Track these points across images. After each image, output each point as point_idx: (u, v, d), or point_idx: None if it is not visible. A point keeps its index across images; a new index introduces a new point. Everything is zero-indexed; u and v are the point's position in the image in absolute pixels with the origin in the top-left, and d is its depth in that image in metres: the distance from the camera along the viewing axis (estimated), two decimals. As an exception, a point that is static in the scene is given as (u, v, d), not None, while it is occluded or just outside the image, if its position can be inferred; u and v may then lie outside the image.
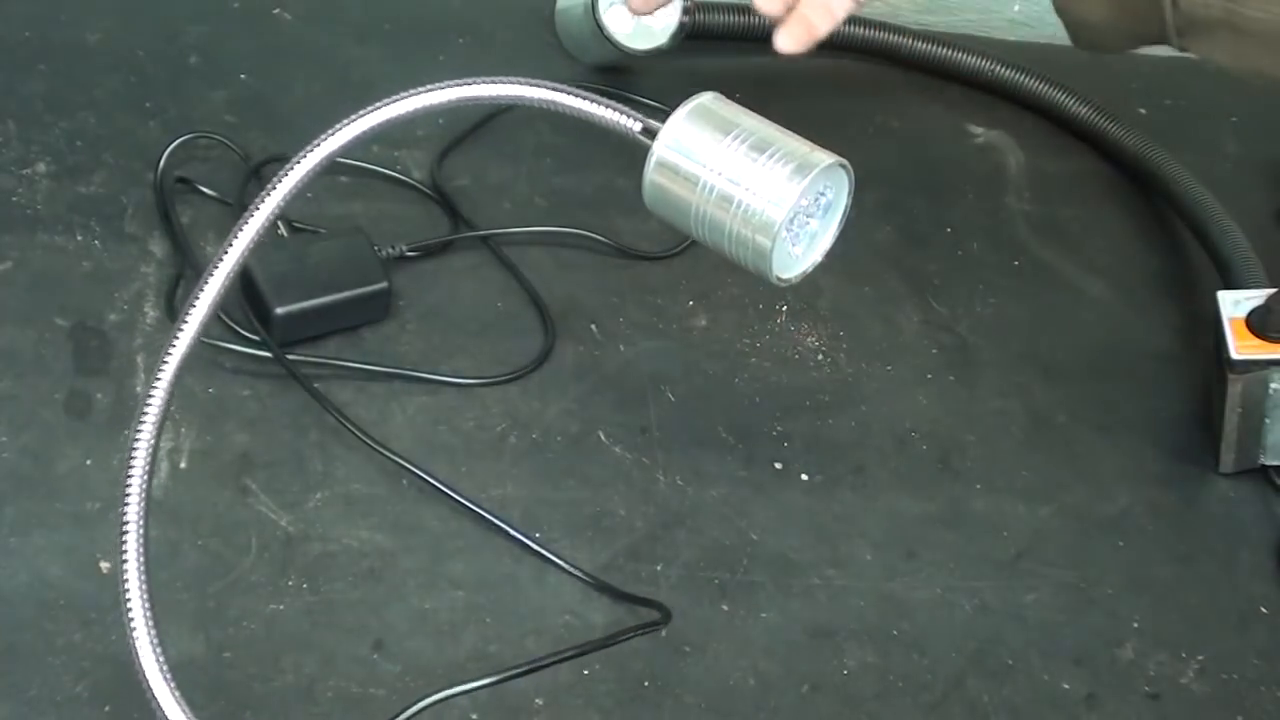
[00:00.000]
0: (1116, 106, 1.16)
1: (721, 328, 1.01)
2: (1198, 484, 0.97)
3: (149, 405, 0.74)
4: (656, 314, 1.01)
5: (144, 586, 0.72)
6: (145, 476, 0.73)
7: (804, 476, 0.94)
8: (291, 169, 0.76)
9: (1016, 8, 1.21)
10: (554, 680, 0.83)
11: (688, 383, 0.97)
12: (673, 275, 1.03)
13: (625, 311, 1.00)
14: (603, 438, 0.94)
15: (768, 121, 0.78)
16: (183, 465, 0.88)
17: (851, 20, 1.16)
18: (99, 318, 0.94)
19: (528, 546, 0.87)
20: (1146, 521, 0.95)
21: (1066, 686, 0.86)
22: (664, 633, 0.85)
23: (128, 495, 0.73)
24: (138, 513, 0.73)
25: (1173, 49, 0.95)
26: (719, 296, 1.02)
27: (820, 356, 1.00)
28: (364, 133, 0.76)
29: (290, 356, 0.93)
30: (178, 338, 0.74)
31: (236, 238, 0.76)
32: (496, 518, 0.88)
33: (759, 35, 1.08)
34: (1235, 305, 0.95)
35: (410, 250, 0.99)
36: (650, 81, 1.14)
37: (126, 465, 0.73)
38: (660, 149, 0.77)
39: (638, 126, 0.77)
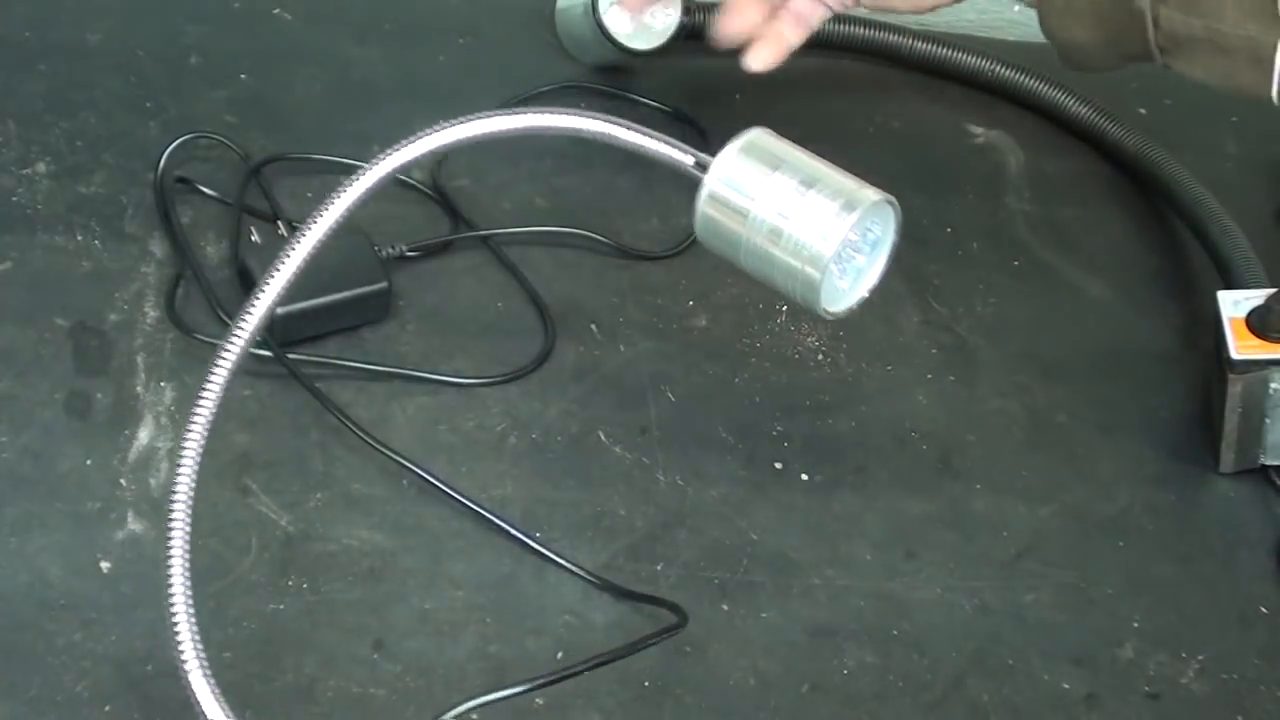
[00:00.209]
0: (1116, 106, 1.16)
1: (721, 328, 1.01)
2: (1198, 484, 0.97)
3: (195, 420, 0.76)
4: (656, 314, 1.01)
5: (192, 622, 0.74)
6: (189, 500, 0.75)
7: (804, 476, 0.94)
8: (342, 194, 0.79)
9: (1017, 8, 1.21)
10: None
11: (688, 383, 0.97)
12: (673, 275, 1.03)
13: (625, 311, 1.00)
14: (603, 438, 0.94)
15: (815, 157, 0.80)
16: (183, 465, 0.88)
17: (851, 20, 1.17)
18: (99, 318, 0.94)
19: (529, 546, 0.87)
20: (1146, 521, 0.95)
21: (1066, 686, 0.86)
22: (664, 633, 0.86)
23: (173, 518, 0.75)
24: (182, 537, 0.75)
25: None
26: (719, 296, 1.02)
27: (820, 356, 1.00)
28: (413, 159, 0.80)
29: (290, 356, 0.93)
30: (214, 377, 0.77)
31: (289, 257, 0.79)
32: (499, 518, 0.88)
33: (759, 35, 1.08)
34: (1235, 305, 0.95)
35: (410, 250, 0.99)
36: (650, 81, 1.14)
37: (170, 498, 0.76)
38: (711, 182, 0.79)
39: (690, 160, 0.80)
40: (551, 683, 0.79)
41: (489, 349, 0.96)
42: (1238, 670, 0.88)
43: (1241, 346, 0.94)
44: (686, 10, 1.12)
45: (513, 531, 0.87)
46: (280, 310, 0.93)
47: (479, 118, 0.79)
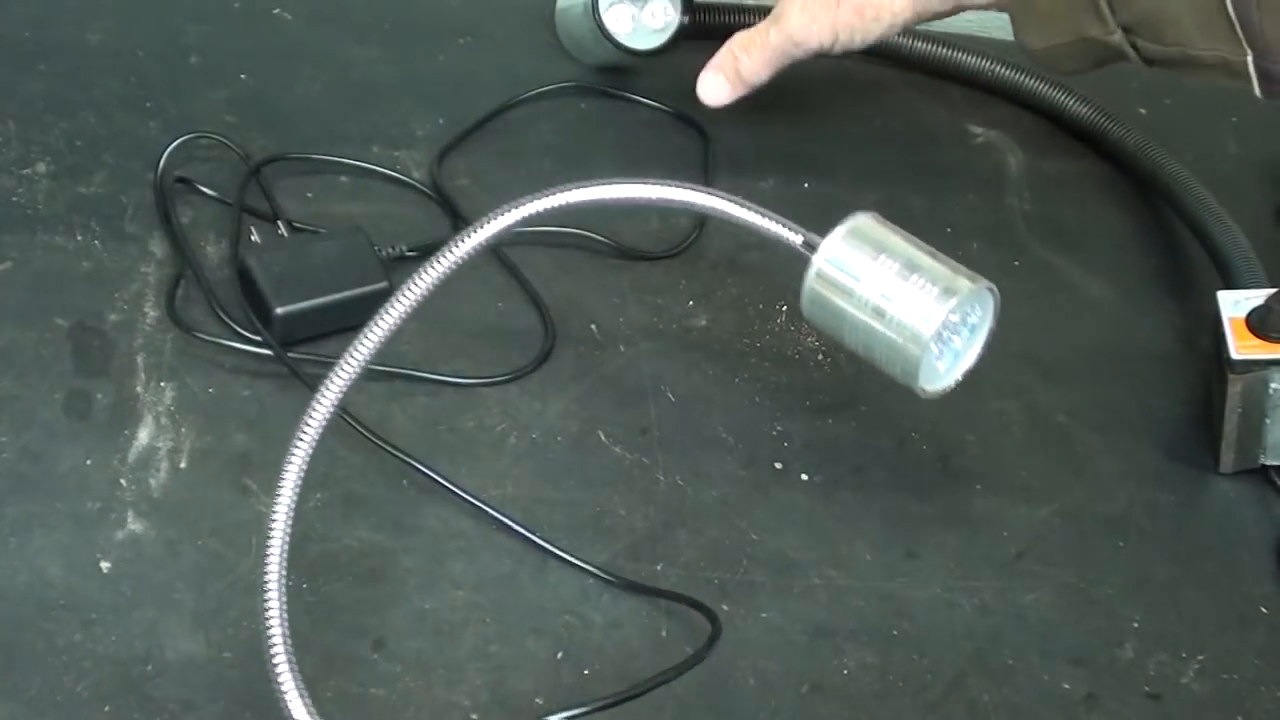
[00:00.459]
0: (1116, 106, 1.16)
1: (721, 328, 1.01)
2: (1198, 484, 0.97)
3: (288, 471, 0.77)
4: (656, 314, 1.01)
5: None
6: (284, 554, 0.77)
7: (804, 476, 0.94)
8: (444, 257, 0.81)
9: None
10: (554, 680, 0.83)
11: (688, 383, 0.97)
12: (673, 275, 1.03)
13: (625, 311, 1.00)
14: (603, 438, 0.94)
15: (917, 241, 0.85)
16: (183, 465, 0.88)
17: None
18: (99, 318, 0.94)
19: (530, 546, 0.87)
20: (1146, 521, 0.95)
21: (1066, 686, 0.86)
22: (664, 633, 0.85)
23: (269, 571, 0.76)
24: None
25: None
26: (719, 296, 1.02)
27: (820, 356, 1.00)
28: (504, 228, 0.82)
29: (291, 356, 0.93)
30: (313, 415, 0.79)
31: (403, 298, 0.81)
32: (505, 516, 0.88)
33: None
34: (1235, 305, 0.95)
35: (410, 250, 0.99)
36: (650, 81, 1.14)
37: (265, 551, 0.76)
38: (819, 262, 0.84)
39: (799, 239, 0.84)
40: (613, 705, 0.80)
41: (489, 349, 0.96)
42: (1238, 670, 0.88)
43: (1241, 346, 0.94)
44: (686, 10, 1.12)
45: (518, 529, 0.87)
46: (280, 310, 0.93)
47: (596, 184, 0.84)
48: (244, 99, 1.08)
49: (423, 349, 0.96)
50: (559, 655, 0.84)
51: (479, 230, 0.81)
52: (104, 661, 0.80)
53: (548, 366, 0.97)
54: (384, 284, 0.96)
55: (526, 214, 0.82)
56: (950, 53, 1.18)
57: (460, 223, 1.03)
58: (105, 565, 0.84)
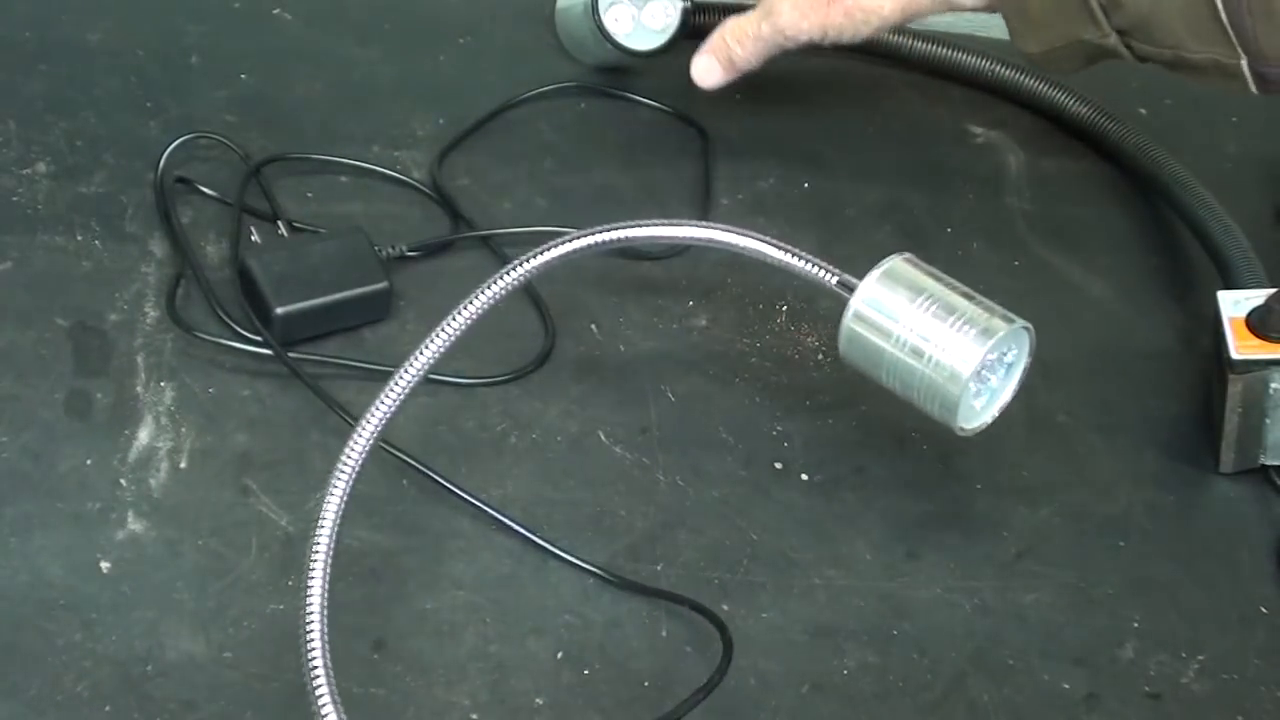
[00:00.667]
0: (1116, 106, 1.16)
1: (721, 328, 1.01)
2: (1198, 484, 0.97)
3: (327, 510, 0.79)
4: (656, 314, 1.01)
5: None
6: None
7: (804, 476, 0.94)
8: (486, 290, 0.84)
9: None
10: (554, 680, 0.83)
11: (688, 383, 0.97)
12: (673, 275, 1.03)
13: (625, 311, 1.00)
14: (603, 438, 0.94)
15: (950, 281, 0.87)
16: (183, 465, 0.88)
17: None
18: (99, 318, 0.94)
19: (530, 546, 0.87)
20: (1146, 521, 0.95)
21: (1066, 686, 0.86)
22: (664, 633, 0.85)
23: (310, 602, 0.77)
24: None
25: None
26: (719, 296, 1.02)
27: (820, 356, 1.00)
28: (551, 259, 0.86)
29: (291, 355, 0.93)
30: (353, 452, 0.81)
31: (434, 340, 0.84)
32: (505, 516, 0.88)
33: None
34: (1235, 305, 0.95)
35: (410, 250, 0.99)
36: (650, 81, 1.14)
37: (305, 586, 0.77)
38: (857, 303, 0.86)
39: (834, 280, 0.86)
40: None
41: (489, 349, 0.96)
42: (1238, 670, 0.88)
43: (1241, 346, 0.94)
44: (686, 10, 1.12)
45: (519, 529, 0.87)
46: (281, 310, 0.93)
47: (630, 226, 0.86)
48: (244, 99, 1.08)
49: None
50: (559, 655, 0.84)
51: (525, 263, 0.84)
52: (104, 661, 0.80)
53: (548, 366, 0.97)
54: (384, 284, 0.96)
55: (574, 249, 0.85)
56: (950, 53, 1.18)
57: (460, 223, 1.03)
58: (105, 565, 0.84)
